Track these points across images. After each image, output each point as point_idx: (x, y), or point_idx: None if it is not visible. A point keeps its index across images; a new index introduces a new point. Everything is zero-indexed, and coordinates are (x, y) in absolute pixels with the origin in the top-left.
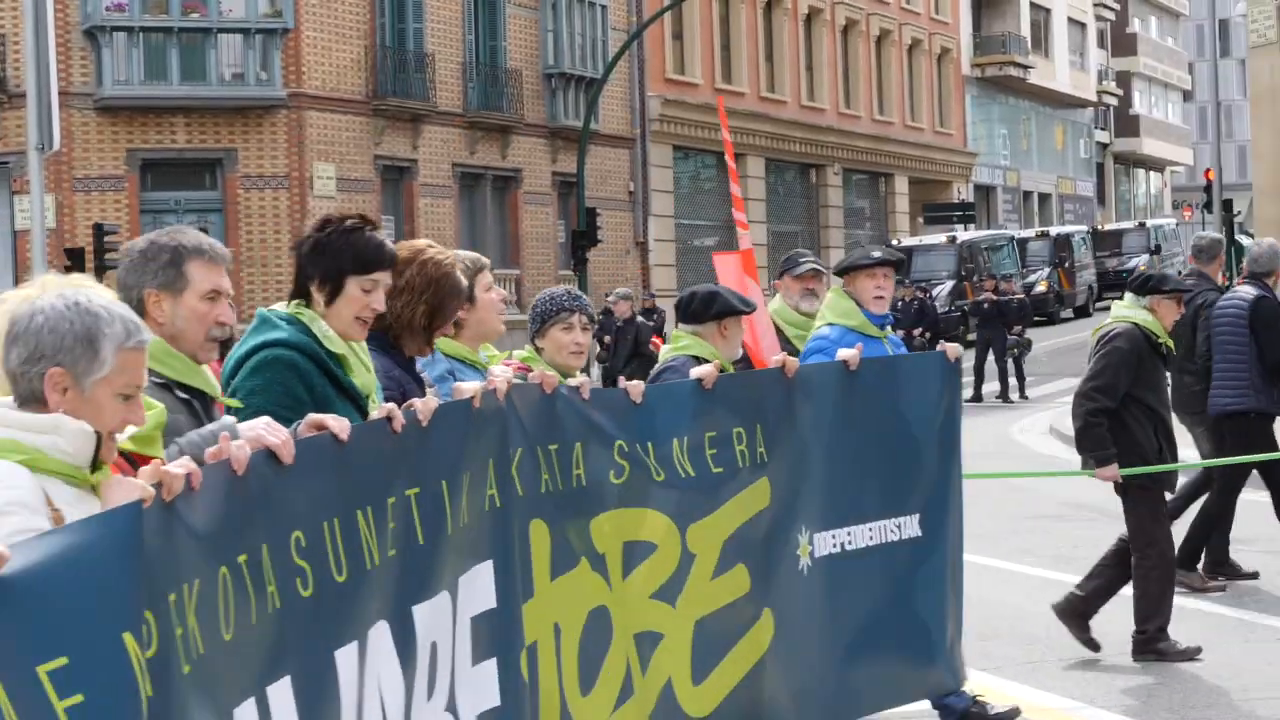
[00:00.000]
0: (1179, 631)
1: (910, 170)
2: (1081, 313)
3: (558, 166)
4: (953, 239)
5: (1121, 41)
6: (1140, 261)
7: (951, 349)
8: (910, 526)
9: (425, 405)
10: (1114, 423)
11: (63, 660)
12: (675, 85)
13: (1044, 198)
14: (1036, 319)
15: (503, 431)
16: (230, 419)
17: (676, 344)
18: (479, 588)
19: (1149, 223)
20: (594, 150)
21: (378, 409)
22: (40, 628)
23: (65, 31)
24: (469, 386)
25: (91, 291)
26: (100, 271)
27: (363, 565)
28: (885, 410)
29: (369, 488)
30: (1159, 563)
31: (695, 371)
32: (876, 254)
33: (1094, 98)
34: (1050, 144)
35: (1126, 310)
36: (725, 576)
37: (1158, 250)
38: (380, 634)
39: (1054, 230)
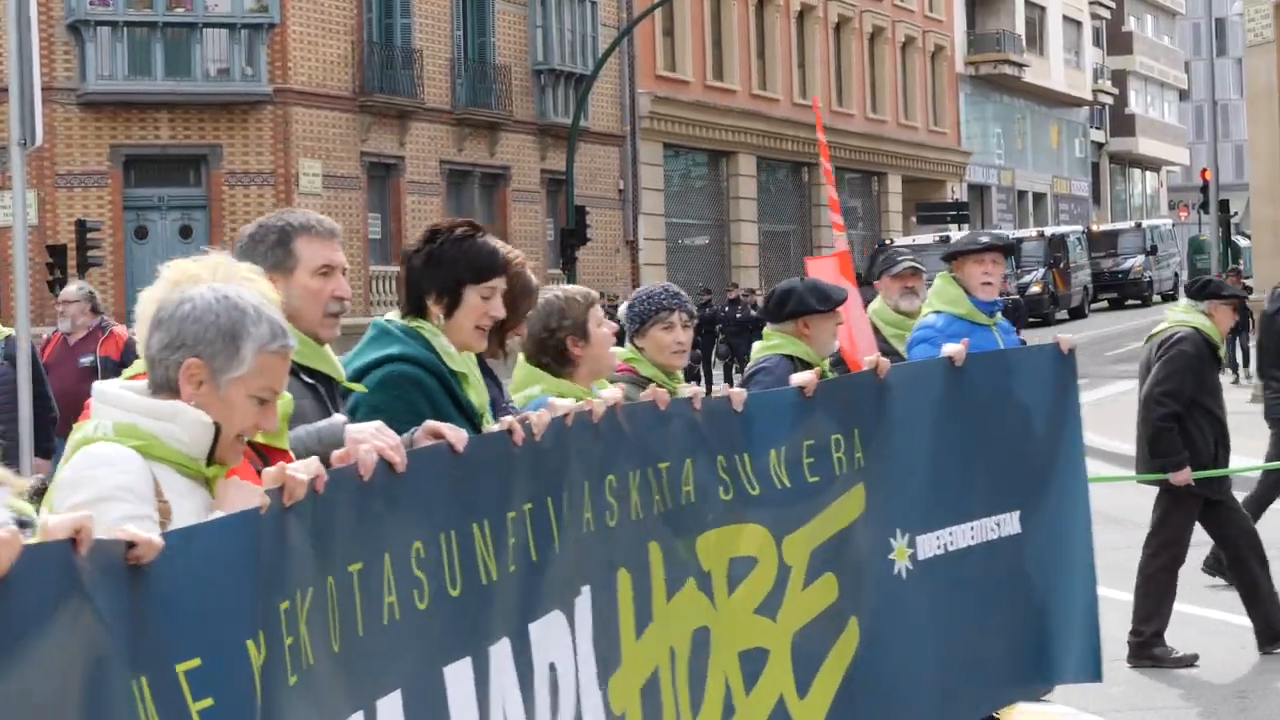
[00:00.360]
0: (1175, 637)
1: (903, 169)
2: (1077, 314)
3: (547, 164)
4: (945, 239)
5: (1117, 40)
6: (1136, 263)
7: (1065, 340)
8: (1011, 524)
9: (540, 419)
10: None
11: (197, 661)
12: (666, 82)
13: (1039, 197)
14: (1031, 320)
15: (614, 451)
16: (341, 418)
17: (768, 342)
18: (585, 612)
19: (1145, 223)
20: (583, 148)
21: (499, 421)
22: (177, 626)
23: (49, 26)
24: (563, 404)
25: (246, 288)
26: (83, 269)
27: (478, 580)
28: (993, 405)
29: (487, 501)
30: (1169, 564)
31: (796, 379)
32: (985, 239)
33: (1089, 97)
34: (1045, 143)
35: (1184, 315)
36: (814, 586)
37: (1154, 251)
38: (502, 652)
39: (1049, 230)
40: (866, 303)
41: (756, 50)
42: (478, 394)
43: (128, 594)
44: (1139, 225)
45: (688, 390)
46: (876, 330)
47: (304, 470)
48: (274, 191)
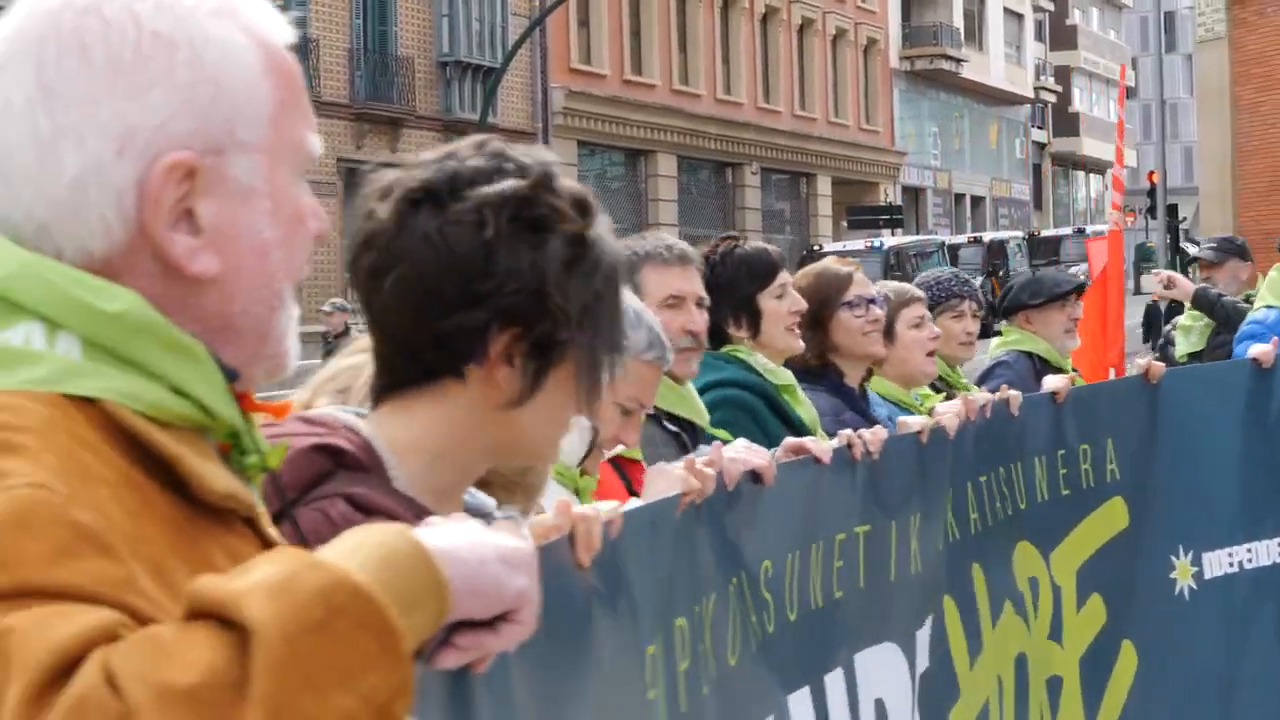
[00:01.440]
0: None
1: (834, 170)
2: None
3: None
4: (875, 245)
5: (1060, 34)
6: (1079, 270)
7: None
8: None
9: (875, 435)
10: None
11: (651, 648)
12: (581, 76)
13: (976, 201)
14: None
15: (951, 469)
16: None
17: (1005, 338)
18: (924, 643)
19: (1089, 228)
20: None
21: (837, 436)
22: (639, 609)
23: None
24: (915, 421)
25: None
26: None
27: (809, 603)
28: None
29: (825, 520)
30: None
31: (1048, 383)
32: None
33: (1031, 94)
34: (984, 143)
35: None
36: (1085, 609)
37: None
38: (835, 682)
39: (987, 236)
40: None
41: (678, 43)
42: (806, 409)
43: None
44: (1082, 231)
45: (1006, 393)
46: None
47: (710, 466)
48: None
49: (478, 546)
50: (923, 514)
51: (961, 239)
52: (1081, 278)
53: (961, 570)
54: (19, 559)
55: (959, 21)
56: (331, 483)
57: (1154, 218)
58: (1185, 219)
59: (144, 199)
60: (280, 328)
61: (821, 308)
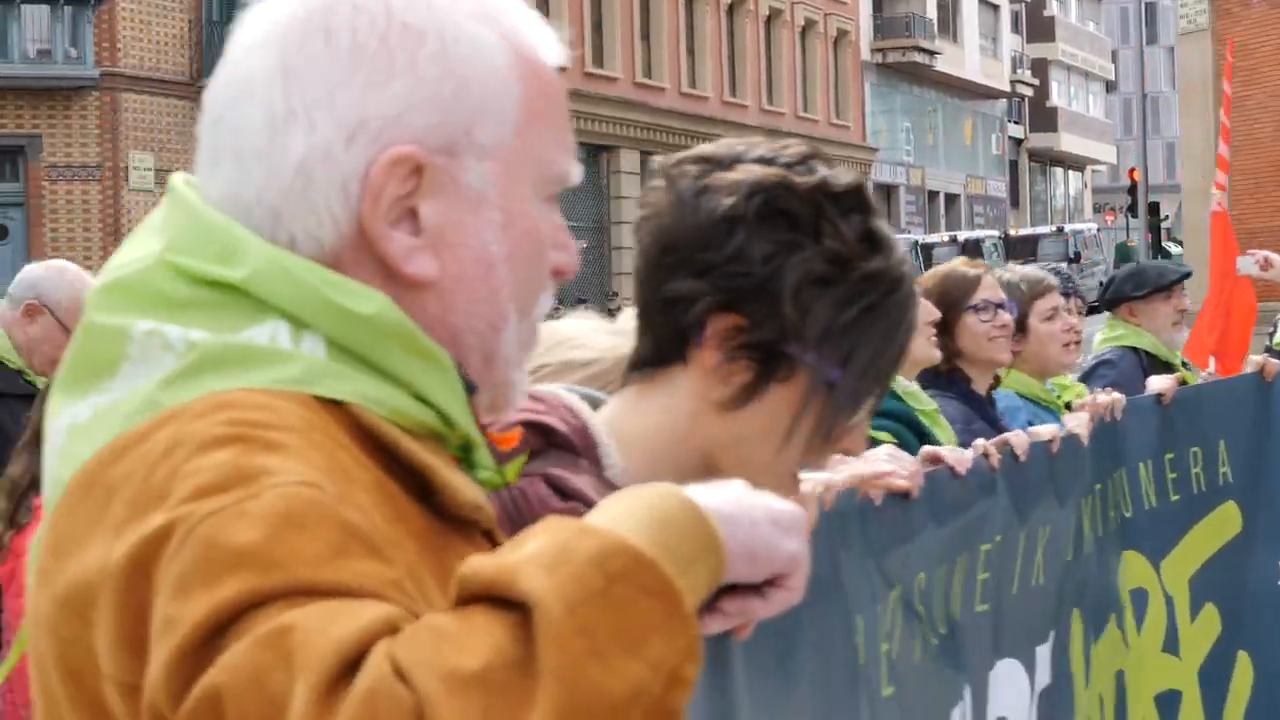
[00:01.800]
0: None
1: None
2: None
3: None
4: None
5: (1038, 26)
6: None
7: None
8: None
9: (1020, 440)
10: None
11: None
12: None
13: (951, 198)
14: None
15: (1075, 479)
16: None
17: (1110, 332)
18: (1045, 659)
19: (1067, 227)
20: None
21: (973, 445)
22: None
23: None
24: (1046, 430)
25: None
26: None
27: (952, 617)
28: None
29: (967, 531)
30: None
31: (1152, 384)
32: None
33: (1007, 88)
34: (959, 139)
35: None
36: (1199, 619)
37: (1077, 258)
38: (966, 699)
39: (962, 235)
40: None
41: (641, 34)
42: (946, 433)
43: None
44: (1061, 230)
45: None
46: None
47: (899, 464)
48: (100, 187)
49: (749, 508)
50: (1051, 526)
51: (936, 238)
52: (1187, 267)
53: (1081, 583)
54: (293, 557)
55: (932, 12)
56: (536, 461)
57: (1135, 216)
58: (1167, 217)
59: (366, 191)
60: (507, 353)
61: (947, 311)
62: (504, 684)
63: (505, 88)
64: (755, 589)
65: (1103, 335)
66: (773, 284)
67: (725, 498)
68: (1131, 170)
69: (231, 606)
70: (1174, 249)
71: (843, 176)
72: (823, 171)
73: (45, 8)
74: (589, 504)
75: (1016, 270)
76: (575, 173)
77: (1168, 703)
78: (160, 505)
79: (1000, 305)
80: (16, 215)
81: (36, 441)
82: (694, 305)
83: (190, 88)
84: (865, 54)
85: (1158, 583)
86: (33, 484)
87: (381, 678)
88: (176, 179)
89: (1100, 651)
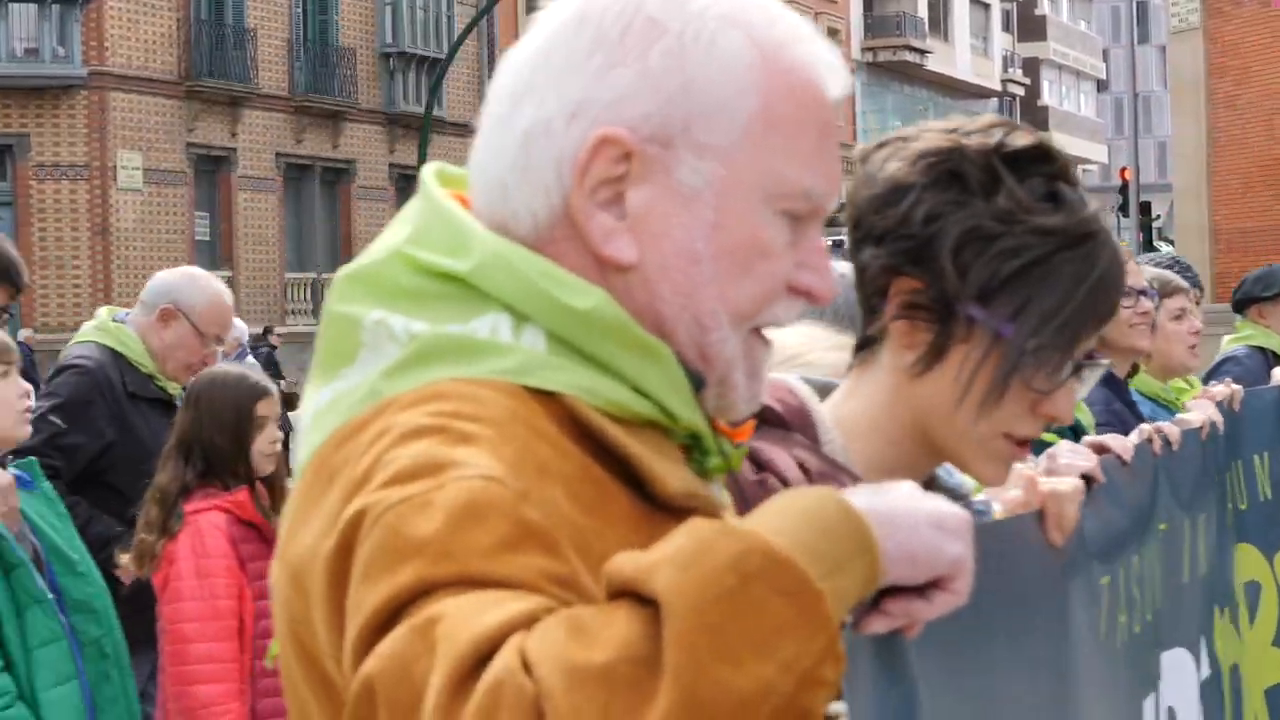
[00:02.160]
0: None
1: None
2: None
3: (396, 158)
4: (838, 243)
5: (1029, 25)
6: None
7: None
8: None
9: (1172, 429)
10: None
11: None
12: None
13: None
14: None
15: (1214, 468)
16: None
17: (1238, 333)
18: (1205, 649)
19: None
20: (437, 140)
21: (1136, 430)
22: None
23: None
24: (1195, 417)
25: None
26: None
27: (1135, 605)
28: None
29: (1140, 519)
30: None
31: (1277, 375)
32: None
33: (998, 87)
34: None
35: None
36: None
37: None
38: (1155, 684)
39: None
40: None
41: None
42: (1085, 414)
43: None
44: None
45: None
46: None
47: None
48: (88, 186)
49: (911, 511)
50: (1205, 513)
51: None
52: None
53: (1224, 573)
54: (465, 549)
55: (923, 11)
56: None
57: (1126, 216)
58: (1159, 216)
59: (575, 168)
60: (726, 355)
61: None
62: (627, 680)
63: (739, 94)
64: (918, 590)
65: (1231, 336)
66: (935, 243)
67: (886, 500)
68: (1123, 169)
69: (407, 593)
70: (1165, 249)
71: (1020, 139)
72: (1000, 135)
73: (33, 6)
74: (780, 476)
75: (1147, 269)
76: (826, 195)
77: (1277, 699)
78: (361, 491)
79: (1143, 292)
80: (4, 215)
81: (183, 449)
82: (873, 272)
83: (178, 87)
84: (856, 53)
85: (1271, 575)
86: (182, 491)
87: (508, 670)
88: (428, 168)
89: (1220, 644)
